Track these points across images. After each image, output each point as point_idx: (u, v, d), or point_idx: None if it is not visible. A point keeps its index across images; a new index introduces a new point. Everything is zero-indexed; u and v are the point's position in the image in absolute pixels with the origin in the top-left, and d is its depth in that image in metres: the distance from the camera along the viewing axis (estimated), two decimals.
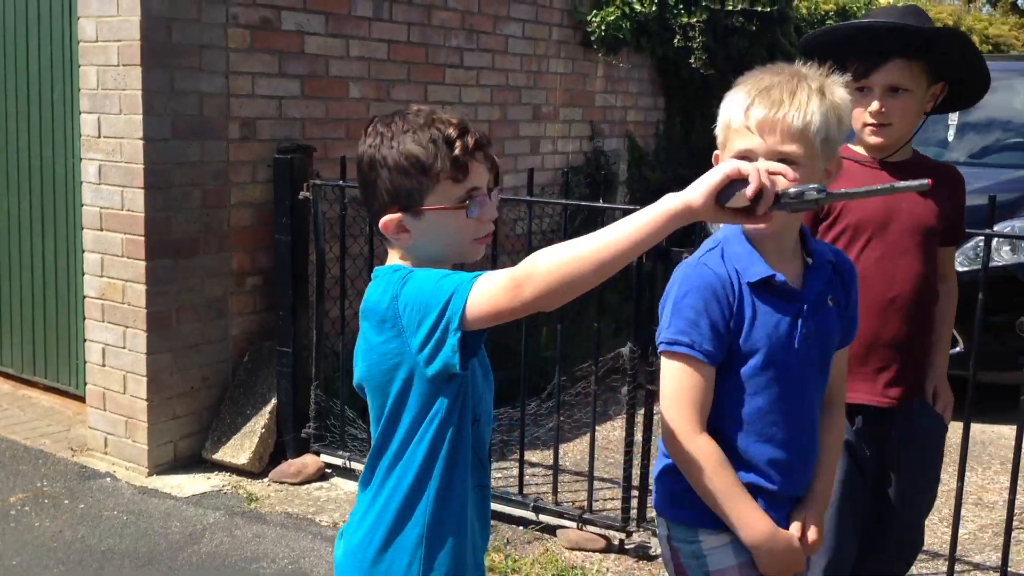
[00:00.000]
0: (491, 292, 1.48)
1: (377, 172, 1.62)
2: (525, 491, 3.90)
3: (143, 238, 4.00)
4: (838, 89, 1.75)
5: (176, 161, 4.06)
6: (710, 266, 1.75)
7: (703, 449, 1.69)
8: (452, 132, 1.60)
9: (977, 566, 3.55)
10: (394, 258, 1.68)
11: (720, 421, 1.74)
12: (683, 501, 1.78)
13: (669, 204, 1.43)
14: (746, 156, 1.66)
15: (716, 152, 1.80)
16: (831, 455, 1.88)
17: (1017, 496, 3.04)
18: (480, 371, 1.72)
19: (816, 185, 1.46)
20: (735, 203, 1.42)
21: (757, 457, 1.74)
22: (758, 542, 1.71)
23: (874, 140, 2.33)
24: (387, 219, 1.63)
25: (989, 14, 15.91)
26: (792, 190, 1.45)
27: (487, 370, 1.77)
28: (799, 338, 1.73)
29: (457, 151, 1.59)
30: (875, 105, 2.28)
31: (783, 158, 1.65)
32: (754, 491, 1.74)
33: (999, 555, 3.16)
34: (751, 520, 1.70)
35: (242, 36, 4.25)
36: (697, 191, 1.42)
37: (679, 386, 1.72)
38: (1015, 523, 3.22)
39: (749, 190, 1.42)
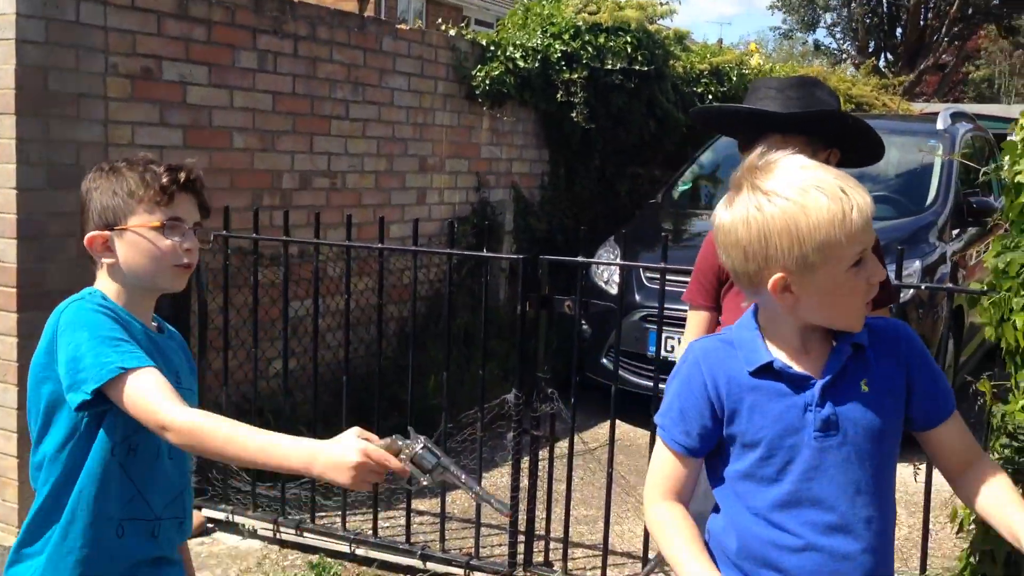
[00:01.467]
0: (140, 404, 1.64)
1: (90, 197, 1.80)
2: (413, 539, 3.90)
3: (15, 290, 3.88)
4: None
5: (51, 211, 3.96)
6: (697, 352, 1.67)
7: (662, 513, 1.65)
8: (163, 168, 1.79)
9: None
10: (101, 279, 1.82)
11: (725, 516, 1.66)
12: None
13: (298, 457, 1.59)
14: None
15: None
16: (1010, 494, 1.65)
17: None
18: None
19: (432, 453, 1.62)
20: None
21: (776, 546, 1.60)
22: None
23: None
24: (92, 235, 1.79)
25: (852, 75, 16.88)
26: (418, 453, 1.61)
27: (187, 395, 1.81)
28: (814, 426, 1.58)
29: (164, 180, 1.78)
30: None
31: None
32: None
33: None
34: (695, 571, 1.56)
35: (122, 85, 4.20)
36: (323, 464, 1.57)
37: (654, 459, 1.71)
38: None
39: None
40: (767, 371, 1.61)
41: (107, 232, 1.78)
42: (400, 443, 1.61)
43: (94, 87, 4.09)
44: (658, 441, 1.70)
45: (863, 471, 1.61)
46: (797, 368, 1.61)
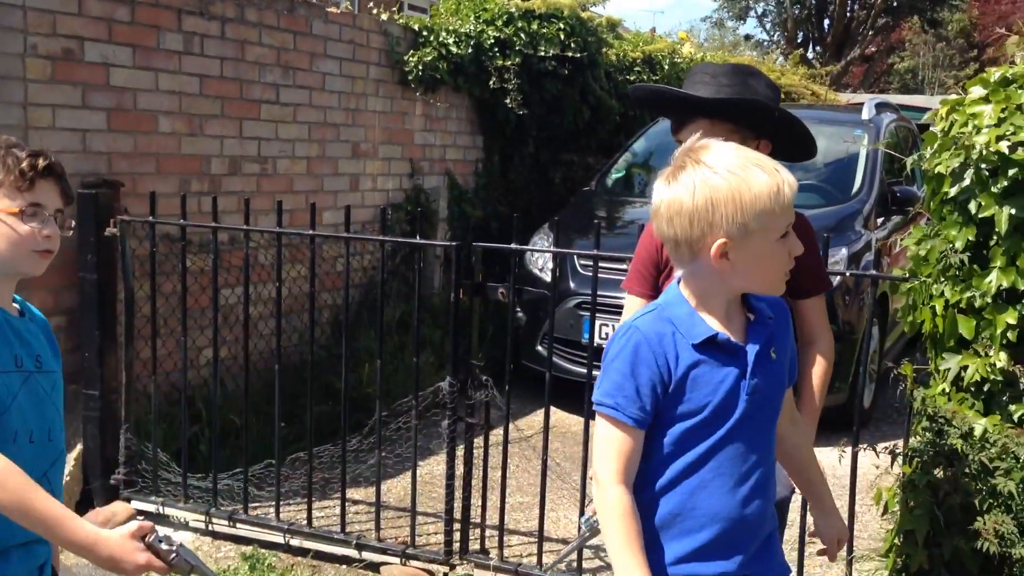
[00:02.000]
0: None
1: None
2: (348, 529, 3.87)
3: None
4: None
5: None
6: (642, 330, 1.76)
7: (615, 499, 1.73)
8: (24, 153, 1.81)
9: None
10: None
11: (663, 476, 1.78)
12: None
13: (84, 538, 1.65)
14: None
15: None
16: (814, 463, 2.04)
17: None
18: (23, 394, 1.81)
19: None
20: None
21: (702, 508, 1.76)
22: None
23: None
24: None
25: (781, 65, 17.16)
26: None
27: (33, 392, 1.85)
28: (746, 392, 1.76)
29: (24, 165, 1.79)
30: None
31: None
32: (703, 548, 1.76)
33: None
34: (628, 571, 1.69)
35: (42, 67, 4.07)
36: (108, 554, 1.65)
37: (606, 440, 1.77)
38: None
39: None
40: (709, 343, 1.75)
41: None
42: (162, 544, 1.72)
43: (13, 68, 3.95)
44: (604, 421, 1.77)
45: (769, 430, 1.84)
46: (732, 338, 1.77)
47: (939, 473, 2.63)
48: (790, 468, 2.08)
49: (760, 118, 2.42)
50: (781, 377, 1.86)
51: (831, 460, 3.35)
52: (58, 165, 1.85)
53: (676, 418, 1.76)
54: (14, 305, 1.90)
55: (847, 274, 4.78)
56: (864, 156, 6.40)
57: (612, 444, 1.76)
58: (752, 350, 1.77)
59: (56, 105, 4.15)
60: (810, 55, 25.32)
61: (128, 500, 4.10)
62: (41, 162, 1.81)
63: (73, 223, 1.87)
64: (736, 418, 1.76)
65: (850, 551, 3.28)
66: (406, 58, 6.34)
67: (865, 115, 6.91)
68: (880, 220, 6.22)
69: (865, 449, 2.94)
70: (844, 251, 5.46)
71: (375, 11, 6.62)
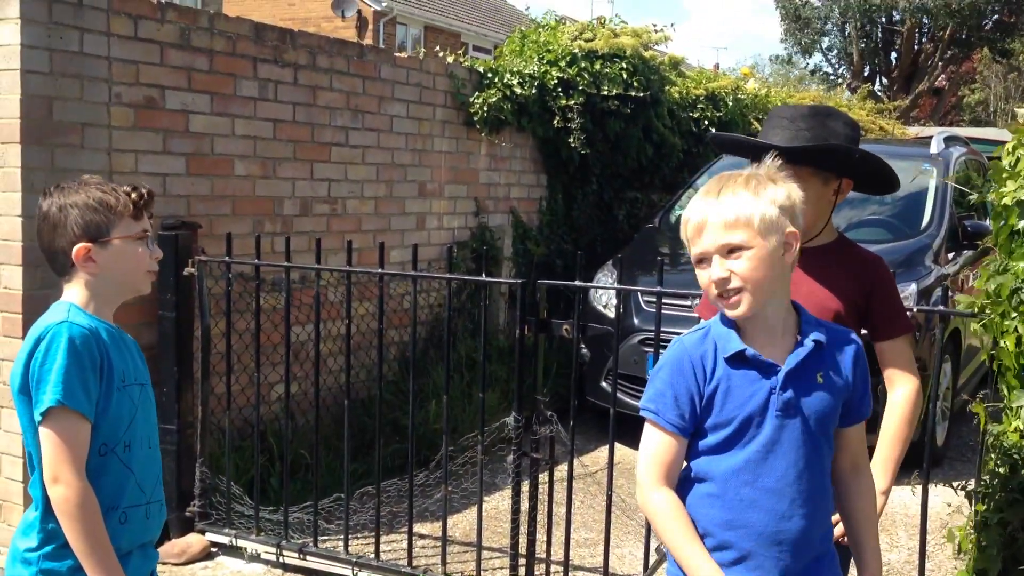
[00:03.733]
0: (58, 445, 1.85)
1: (68, 212, 1.97)
2: (415, 563, 3.92)
3: (20, 316, 3.92)
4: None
5: None
6: (685, 344, 1.90)
7: (661, 500, 1.85)
8: (125, 185, 2.04)
9: None
10: (72, 291, 2.01)
11: (695, 484, 1.88)
12: None
13: None
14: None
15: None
16: (868, 520, 1.99)
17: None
18: (129, 403, 2.02)
19: None
20: None
21: (727, 516, 1.85)
22: None
23: None
24: (80, 247, 1.97)
25: (848, 99, 17.01)
26: None
27: (144, 403, 2.10)
28: (776, 409, 1.83)
29: (135, 196, 2.02)
30: None
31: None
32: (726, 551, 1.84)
33: None
34: (697, 565, 1.80)
35: (125, 115, 4.27)
36: None
37: (648, 445, 1.89)
38: None
39: None
40: (740, 358, 1.85)
41: (91, 244, 1.97)
42: None
43: (98, 116, 4.15)
44: (649, 428, 1.90)
45: (810, 450, 1.86)
46: (764, 356, 1.85)
47: (1012, 511, 2.59)
48: (844, 520, 2.04)
49: (840, 161, 2.44)
50: (830, 403, 1.88)
51: (903, 498, 3.30)
52: (152, 195, 2.10)
53: (708, 430, 1.86)
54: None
55: (915, 309, 4.72)
56: (933, 190, 6.32)
57: (653, 448, 1.87)
58: (785, 369, 1.84)
59: (139, 151, 4.33)
60: (877, 89, 25.05)
61: (203, 532, 4.21)
62: (145, 192, 2.04)
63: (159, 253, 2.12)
64: (767, 434, 1.83)
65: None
66: (471, 99, 6.46)
67: (934, 149, 6.83)
68: (951, 255, 6.13)
69: (937, 484, 2.89)
70: (913, 287, 5.39)
71: (441, 54, 6.78)
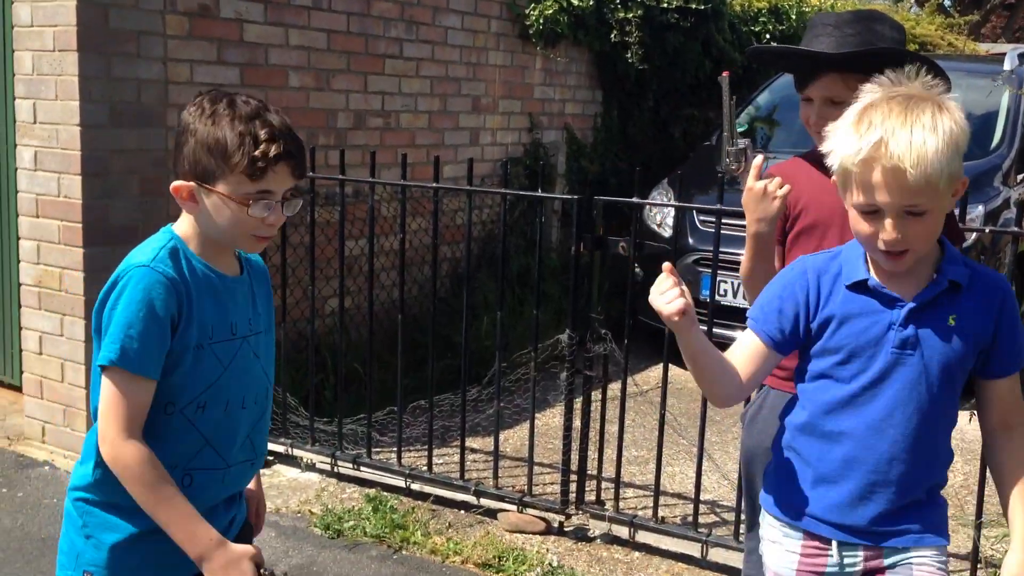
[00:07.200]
0: (113, 404, 1.68)
1: (187, 139, 1.73)
2: (467, 476, 3.97)
3: (80, 225, 3.97)
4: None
5: (114, 148, 4.03)
6: (807, 263, 1.85)
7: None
8: (263, 135, 1.69)
9: None
10: (183, 221, 1.81)
11: (797, 410, 1.86)
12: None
13: (204, 541, 1.67)
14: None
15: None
16: (1022, 487, 1.76)
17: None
18: (213, 362, 1.77)
19: None
20: None
21: (815, 452, 1.81)
22: None
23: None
24: (180, 184, 1.75)
25: (916, 14, 16.35)
26: None
27: (242, 359, 1.83)
28: (893, 343, 1.74)
29: (258, 153, 1.69)
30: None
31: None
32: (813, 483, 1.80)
33: None
34: None
35: (180, 23, 4.23)
36: (220, 563, 1.66)
37: (740, 339, 1.87)
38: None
39: None
40: (862, 287, 1.77)
41: (193, 184, 1.74)
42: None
43: (153, 24, 4.12)
44: (747, 331, 1.86)
45: (927, 394, 1.75)
46: (888, 289, 1.75)
47: None
48: (997, 485, 1.84)
49: (891, 64, 2.33)
50: (960, 349, 1.74)
51: (961, 424, 3.25)
52: (294, 146, 1.73)
53: (815, 354, 1.81)
54: (235, 261, 1.87)
55: (986, 231, 4.59)
56: (1005, 108, 6.08)
57: (741, 344, 1.85)
58: (911, 305, 1.74)
59: (194, 60, 4.30)
60: (947, 3, 24.06)
61: None
62: (274, 150, 1.69)
63: (299, 204, 1.81)
64: (877, 368, 1.75)
65: (979, 515, 3.19)
66: (527, 12, 6.31)
67: (1007, 65, 6.55)
68: (1020, 177, 5.92)
69: None
70: (981, 208, 5.24)
71: None
